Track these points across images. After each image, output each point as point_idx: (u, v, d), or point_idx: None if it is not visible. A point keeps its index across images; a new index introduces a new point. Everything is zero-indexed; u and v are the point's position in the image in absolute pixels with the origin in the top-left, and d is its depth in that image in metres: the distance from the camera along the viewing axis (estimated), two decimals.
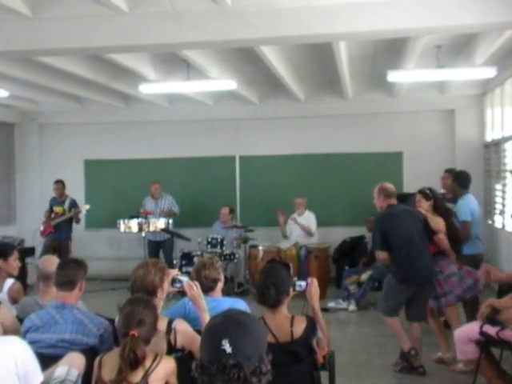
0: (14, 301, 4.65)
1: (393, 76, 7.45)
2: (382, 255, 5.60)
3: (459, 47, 7.26)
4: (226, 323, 1.77)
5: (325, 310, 7.55)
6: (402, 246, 5.54)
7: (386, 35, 5.83)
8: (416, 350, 5.62)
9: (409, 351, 5.62)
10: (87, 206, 10.01)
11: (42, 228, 9.81)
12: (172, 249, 10.04)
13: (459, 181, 6.70)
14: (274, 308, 3.50)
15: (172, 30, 5.37)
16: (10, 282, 4.78)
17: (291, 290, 3.59)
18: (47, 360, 3.22)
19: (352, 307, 8.30)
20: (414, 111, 10.48)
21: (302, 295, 3.75)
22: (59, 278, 3.61)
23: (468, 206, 6.48)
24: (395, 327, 5.71)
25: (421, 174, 9.74)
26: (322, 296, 8.49)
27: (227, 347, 1.70)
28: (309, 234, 9.76)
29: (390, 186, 5.84)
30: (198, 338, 3.47)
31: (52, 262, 4.17)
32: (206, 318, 3.62)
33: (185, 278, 3.76)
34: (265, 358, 1.75)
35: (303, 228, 9.77)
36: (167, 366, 2.97)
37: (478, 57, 7.09)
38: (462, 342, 4.76)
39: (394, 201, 5.76)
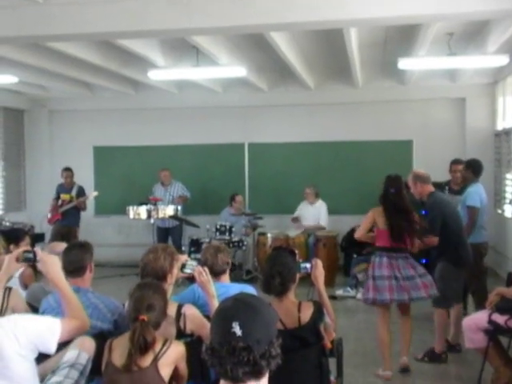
0: (25, 286, 4.68)
1: (404, 63, 7.39)
2: (435, 240, 5.56)
3: (471, 35, 7.20)
4: (236, 306, 1.77)
5: (333, 297, 7.56)
6: (458, 229, 5.70)
7: (397, 22, 5.79)
8: (446, 355, 5.63)
9: (440, 354, 5.60)
10: (96, 193, 10.04)
11: (49, 216, 9.85)
12: (181, 235, 10.07)
13: (473, 168, 6.65)
14: (280, 296, 3.52)
15: (181, 15, 5.35)
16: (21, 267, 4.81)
17: (297, 276, 3.60)
18: (58, 343, 3.24)
19: (360, 295, 8.30)
20: (425, 99, 10.42)
21: (308, 280, 3.76)
22: (67, 266, 3.56)
23: (478, 193, 6.45)
24: (443, 321, 5.64)
25: (431, 162, 9.68)
26: (331, 284, 8.54)
27: (237, 330, 1.70)
28: (320, 228, 9.72)
29: (422, 171, 5.88)
30: (207, 324, 3.49)
31: (59, 248, 4.18)
32: (215, 303, 3.63)
33: (194, 264, 3.77)
34: (275, 342, 1.76)
35: (312, 227, 9.69)
36: (177, 350, 2.99)
37: (490, 44, 7.02)
38: (471, 331, 4.77)
39: (431, 186, 5.77)
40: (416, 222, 5.35)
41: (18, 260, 3.20)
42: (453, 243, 5.60)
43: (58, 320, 2.85)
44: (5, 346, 2.61)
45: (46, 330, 2.79)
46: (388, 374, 5.27)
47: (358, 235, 5.68)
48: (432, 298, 5.46)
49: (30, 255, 3.18)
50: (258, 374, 1.73)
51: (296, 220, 9.83)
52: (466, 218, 6.23)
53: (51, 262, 3.13)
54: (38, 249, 3.22)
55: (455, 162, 7.38)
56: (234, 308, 1.77)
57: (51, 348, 2.85)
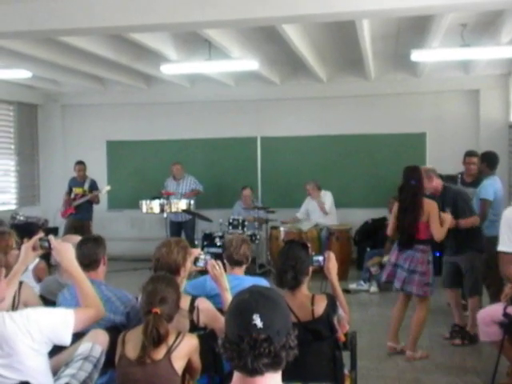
0: (39, 279, 4.71)
1: (416, 55, 7.33)
2: (477, 219, 5.91)
3: (485, 25, 7.13)
4: (255, 298, 1.77)
5: (346, 291, 7.54)
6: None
7: (410, 13, 5.74)
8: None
9: (475, 335, 5.57)
10: (108, 187, 10.07)
11: (62, 210, 9.90)
12: (193, 229, 10.08)
13: (488, 161, 6.61)
14: (293, 289, 3.51)
15: (194, 8, 5.34)
16: (35, 260, 4.84)
17: (310, 269, 3.60)
18: (72, 336, 3.25)
19: (373, 288, 8.29)
20: (438, 91, 10.35)
21: (321, 274, 3.75)
22: (81, 260, 3.54)
23: (493, 185, 6.41)
24: (478, 308, 5.69)
25: (444, 155, 9.66)
26: (344, 277, 8.53)
27: (258, 322, 1.70)
28: (323, 212, 9.68)
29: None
30: (221, 317, 3.50)
31: (73, 241, 4.19)
32: (228, 296, 3.64)
33: (207, 257, 3.78)
34: (292, 333, 1.77)
35: (319, 203, 9.69)
36: (190, 343, 3.00)
37: (504, 35, 6.94)
38: (485, 324, 4.72)
39: None
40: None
41: (34, 249, 3.21)
42: (478, 230, 5.88)
43: (71, 311, 2.85)
44: (17, 341, 2.61)
45: (60, 322, 2.80)
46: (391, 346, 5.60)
47: (389, 233, 5.79)
48: (468, 289, 5.83)
49: (46, 243, 3.20)
50: (276, 366, 1.74)
51: (297, 220, 9.81)
52: (478, 210, 6.22)
53: (65, 249, 3.14)
54: (51, 237, 3.22)
55: (469, 154, 7.29)
56: (252, 300, 1.76)
57: (66, 340, 2.85)
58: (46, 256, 6.41)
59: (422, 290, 5.44)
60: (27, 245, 3.22)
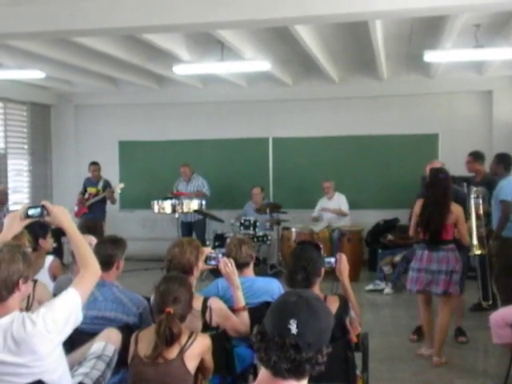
0: (54, 277, 4.74)
1: (430, 56, 7.30)
2: None
3: (499, 26, 7.08)
4: (299, 304, 1.76)
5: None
6: None
7: (423, 13, 5.70)
8: None
9: None
10: (122, 185, 10.09)
11: (76, 209, 9.95)
12: (204, 229, 10.10)
13: (504, 162, 6.61)
14: None
15: (207, 9, 5.35)
16: (50, 258, 4.88)
17: (322, 270, 3.59)
18: (85, 335, 3.27)
19: (388, 290, 8.26)
20: (451, 92, 10.30)
21: (332, 275, 3.75)
22: (97, 258, 3.59)
23: (509, 186, 6.38)
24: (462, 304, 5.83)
25: (457, 156, 9.52)
26: (356, 279, 8.52)
27: (293, 328, 1.70)
28: (342, 215, 9.71)
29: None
30: (233, 316, 3.51)
31: (88, 241, 4.20)
32: (240, 295, 3.65)
33: (219, 255, 3.78)
34: (324, 350, 1.75)
35: (335, 211, 9.72)
36: (202, 343, 3.01)
37: None
38: (498, 326, 4.70)
39: None
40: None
41: (21, 218, 3.02)
42: None
43: (73, 290, 2.73)
44: (37, 342, 2.59)
45: (72, 308, 2.70)
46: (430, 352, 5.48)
47: (411, 233, 5.73)
48: None
49: (37, 210, 2.99)
50: (299, 375, 1.74)
51: (316, 219, 9.83)
52: (498, 212, 6.20)
53: (62, 211, 3.02)
54: (46, 202, 3.06)
55: (470, 153, 7.42)
56: (296, 305, 1.76)
57: (79, 320, 2.76)
58: (60, 254, 6.45)
59: (455, 288, 5.41)
60: (14, 214, 3.05)
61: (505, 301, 6.21)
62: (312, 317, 1.74)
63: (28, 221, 3.06)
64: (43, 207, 2.99)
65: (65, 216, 3.02)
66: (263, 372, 1.78)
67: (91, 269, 2.92)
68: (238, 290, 3.67)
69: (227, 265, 3.69)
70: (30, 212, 3.00)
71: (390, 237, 9.11)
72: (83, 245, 3.00)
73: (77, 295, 2.74)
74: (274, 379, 1.74)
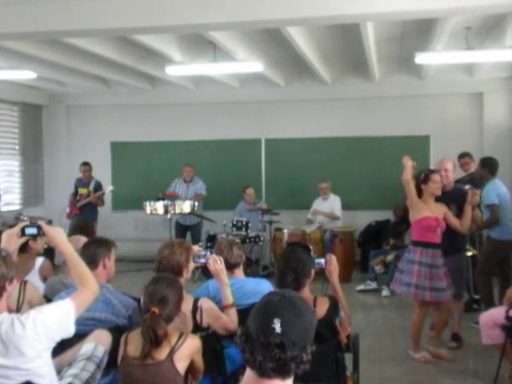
0: (44, 279, 4.72)
1: (421, 58, 7.33)
2: None
3: (489, 28, 7.12)
4: (282, 303, 1.78)
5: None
6: None
7: (414, 16, 5.72)
8: None
9: None
10: (111, 187, 10.10)
11: (67, 210, 9.93)
12: (200, 233, 10.10)
13: (490, 167, 6.65)
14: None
15: (199, 10, 5.35)
16: (40, 260, 4.86)
17: (312, 271, 3.60)
18: (75, 336, 3.25)
19: (385, 292, 8.19)
20: (442, 94, 10.34)
21: (322, 276, 3.76)
22: (83, 260, 3.58)
23: (495, 190, 6.43)
24: (462, 310, 5.89)
25: (448, 157, 9.48)
26: (348, 279, 8.54)
27: (277, 327, 1.71)
28: (333, 218, 9.72)
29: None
30: (223, 316, 3.52)
31: (78, 242, 4.20)
32: (228, 291, 3.65)
33: (208, 253, 3.77)
34: (308, 348, 1.76)
35: (326, 215, 9.72)
36: (192, 344, 3.01)
37: (509, 38, 6.93)
38: (488, 327, 4.73)
39: None
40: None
41: (18, 236, 3.09)
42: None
43: (69, 301, 2.77)
44: (25, 344, 2.59)
45: (64, 317, 2.71)
46: (424, 356, 5.50)
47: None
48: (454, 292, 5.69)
49: (33, 230, 3.08)
50: (284, 374, 1.75)
51: (310, 221, 9.83)
52: (486, 215, 6.32)
53: (58, 232, 3.07)
54: (42, 222, 3.13)
55: (463, 155, 7.71)
56: (279, 304, 1.77)
57: (71, 331, 2.80)
58: (51, 255, 6.43)
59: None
60: (11, 231, 3.12)
61: (485, 296, 6.34)
62: (296, 315, 1.76)
63: (24, 239, 3.16)
64: (39, 227, 3.08)
65: (61, 237, 3.06)
66: (248, 373, 1.78)
67: (89, 286, 2.96)
68: (227, 287, 3.67)
69: (216, 261, 3.70)
70: (27, 231, 3.09)
71: (392, 241, 9.09)
72: (80, 264, 3.04)
73: (71, 306, 2.77)
74: (260, 379, 1.75)
